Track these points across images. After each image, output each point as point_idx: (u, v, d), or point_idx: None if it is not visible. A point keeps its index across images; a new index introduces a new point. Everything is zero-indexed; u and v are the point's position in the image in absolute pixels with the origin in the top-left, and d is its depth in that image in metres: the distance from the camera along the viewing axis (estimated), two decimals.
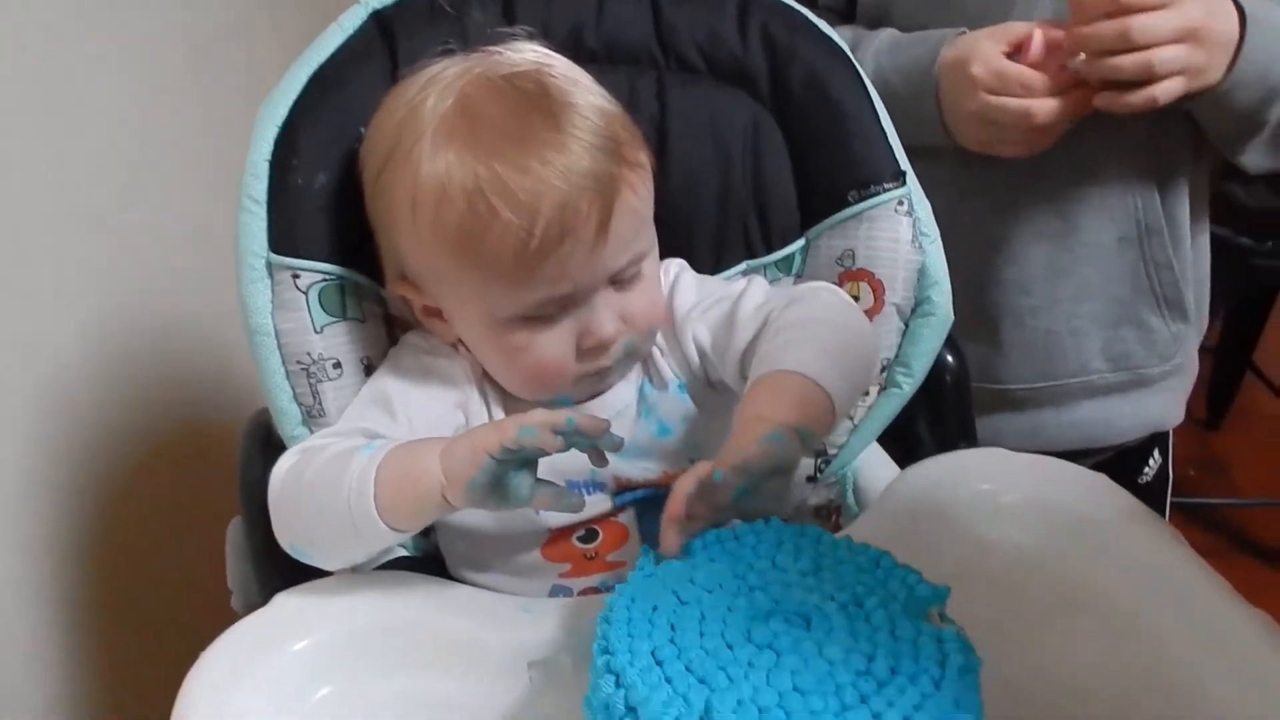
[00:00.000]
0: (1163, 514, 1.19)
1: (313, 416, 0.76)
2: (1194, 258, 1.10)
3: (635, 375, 0.80)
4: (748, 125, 0.85)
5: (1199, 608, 0.68)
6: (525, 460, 0.64)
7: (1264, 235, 1.73)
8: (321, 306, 0.75)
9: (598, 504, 0.76)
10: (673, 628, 0.56)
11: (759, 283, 0.82)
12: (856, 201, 0.83)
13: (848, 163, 0.83)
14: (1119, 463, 1.15)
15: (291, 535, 0.70)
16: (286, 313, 0.75)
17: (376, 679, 0.67)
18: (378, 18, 0.79)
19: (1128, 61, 0.90)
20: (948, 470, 0.80)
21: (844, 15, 1.10)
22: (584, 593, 0.76)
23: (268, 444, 0.81)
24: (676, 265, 0.83)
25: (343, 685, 0.66)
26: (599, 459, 0.67)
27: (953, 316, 0.85)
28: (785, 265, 0.87)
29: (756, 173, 0.85)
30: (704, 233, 0.85)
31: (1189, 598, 0.69)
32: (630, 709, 0.53)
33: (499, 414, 0.77)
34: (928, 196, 0.85)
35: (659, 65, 0.85)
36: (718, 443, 0.79)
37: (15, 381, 1.01)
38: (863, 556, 0.61)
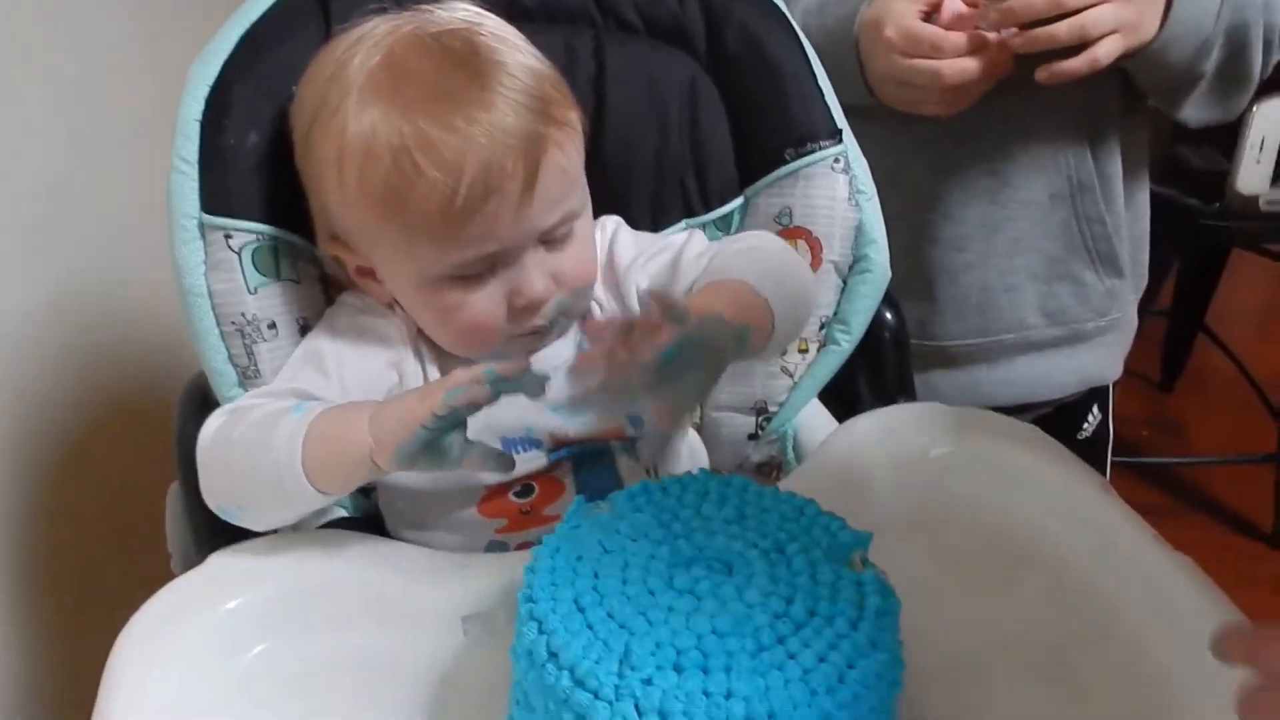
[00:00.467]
0: (1103, 469, 1.21)
1: (249, 378, 0.76)
2: (1130, 214, 1.11)
3: (575, 332, 0.80)
4: (685, 84, 0.85)
5: (1126, 555, 0.69)
6: (455, 421, 0.64)
7: (1212, 197, 1.75)
8: (255, 267, 0.75)
9: (533, 460, 0.77)
10: (596, 576, 0.57)
11: (699, 235, 0.83)
12: (793, 159, 0.84)
13: (784, 121, 0.83)
14: (1058, 418, 1.16)
15: (219, 497, 0.70)
16: (220, 273, 0.74)
17: (311, 636, 0.67)
18: None
19: (1062, 28, 0.90)
20: (883, 424, 0.81)
21: None
22: (521, 548, 0.77)
23: (204, 408, 0.80)
24: (613, 222, 0.83)
25: (277, 642, 0.66)
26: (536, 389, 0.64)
27: (890, 273, 0.86)
28: (724, 224, 0.87)
29: (694, 131, 0.85)
30: (642, 191, 0.85)
31: (1117, 545, 0.70)
32: (552, 654, 0.53)
33: (434, 373, 0.77)
34: (863, 155, 0.86)
35: (596, 24, 0.85)
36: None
37: None
38: (787, 505, 0.62)
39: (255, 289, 0.75)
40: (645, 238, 0.83)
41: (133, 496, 1.11)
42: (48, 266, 1.09)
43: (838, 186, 0.84)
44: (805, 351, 0.87)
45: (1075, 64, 0.92)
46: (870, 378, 0.92)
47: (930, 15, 0.95)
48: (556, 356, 0.79)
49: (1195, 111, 1.02)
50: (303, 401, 0.70)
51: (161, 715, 0.61)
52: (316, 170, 0.72)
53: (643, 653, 0.52)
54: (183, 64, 0.75)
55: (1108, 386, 1.20)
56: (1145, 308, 1.21)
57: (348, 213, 0.72)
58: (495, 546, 0.77)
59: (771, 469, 0.91)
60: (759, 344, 0.74)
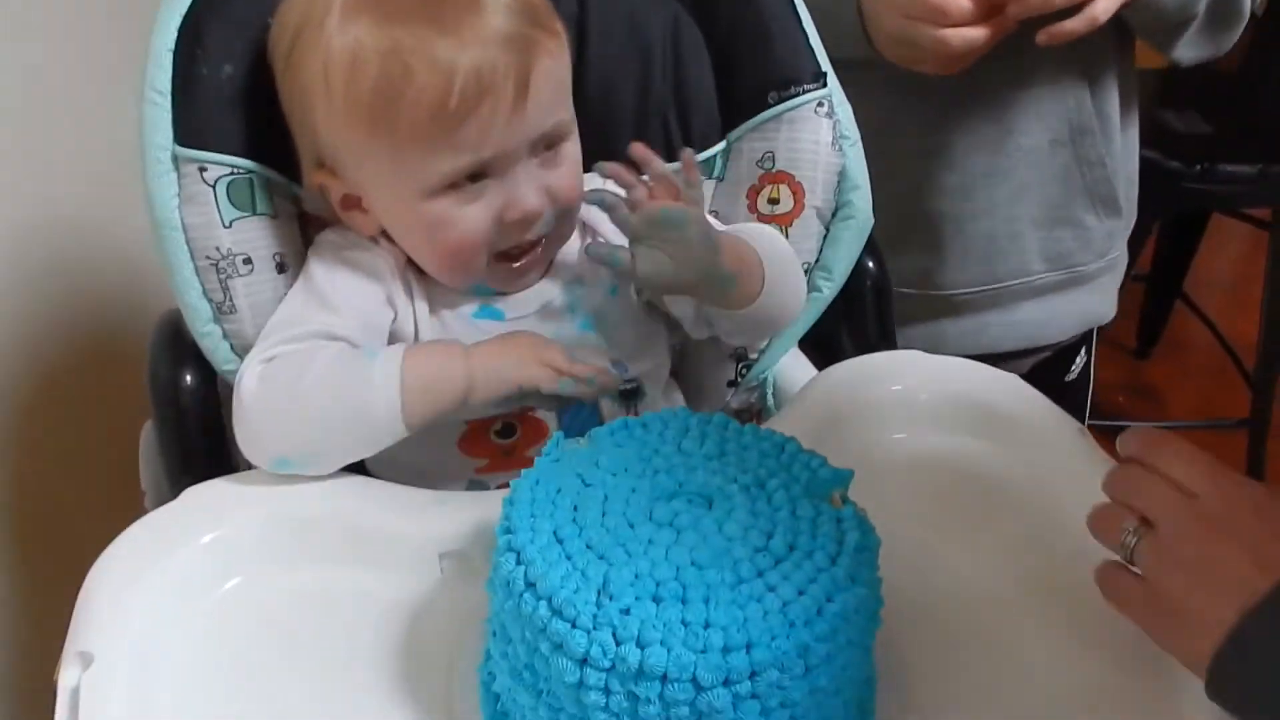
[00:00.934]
0: (1085, 409, 1.23)
1: (223, 313, 0.74)
2: (1124, 153, 1.12)
3: (568, 270, 0.79)
4: (668, 24, 0.84)
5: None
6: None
7: (1193, 159, 1.75)
8: (230, 200, 0.74)
9: (515, 397, 0.76)
10: (575, 508, 0.56)
11: None
12: (777, 103, 0.83)
13: (768, 63, 0.83)
14: (1055, 361, 1.18)
15: (284, 447, 0.69)
16: (193, 206, 0.73)
17: (287, 570, 0.67)
18: None
19: None
20: (862, 371, 0.81)
21: None
22: (501, 489, 0.76)
23: (177, 344, 0.79)
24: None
25: (252, 576, 0.66)
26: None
27: (873, 220, 0.85)
28: (706, 168, 0.86)
29: (677, 73, 0.84)
30: (623, 134, 0.84)
31: (1094, 489, 0.70)
32: (529, 584, 0.53)
33: (422, 307, 0.76)
34: (865, 106, 0.85)
35: None
36: (640, 354, 0.80)
37: None
38: (768, 442, 0.62)
39: (230, 223, 0.74)
40: None
41: (103, 435, 1.10)
42: (12, 201, 1.07)
43: (821, 131, 0.83)
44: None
45: (1074, 24, 0.92)
46: (851, 326, 0.92)
47: None
48: (544, 291, 0.78)
49: (1187, 51, 1.03)
50: (368, 344, 0.72)
51: (134, 648, 0.60)
52: (301, 91, 0.71)
53: (621, 583, 0.52)
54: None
55: (1093, 328, 1.21)
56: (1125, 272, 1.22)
57: (335, 130, 0.70)
58: (475, 486, 0.77)
59: (750, 416, 0.91)
60: (740, 299, 0.75)
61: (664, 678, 0.50)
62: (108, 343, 1.18)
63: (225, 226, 0.74)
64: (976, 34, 0.92)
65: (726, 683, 0.50)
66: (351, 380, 0.68)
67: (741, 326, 0.80)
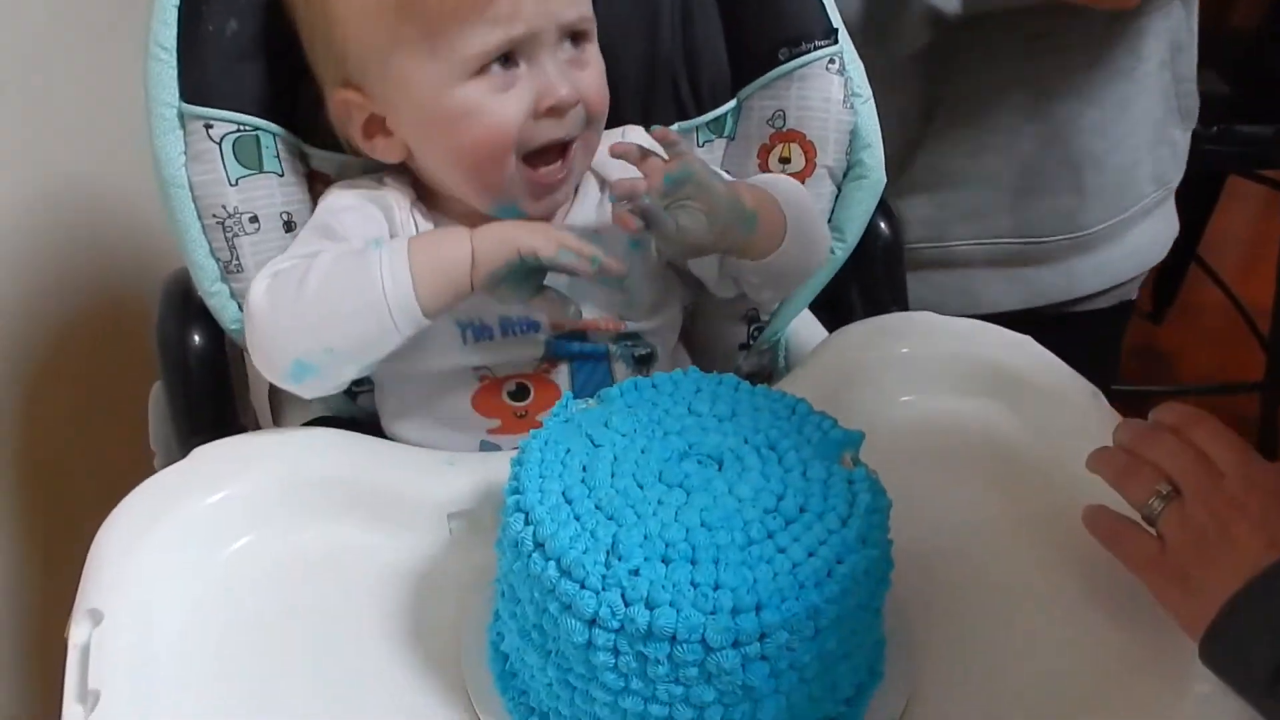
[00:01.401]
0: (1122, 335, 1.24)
1: (230, 272, 0.74)
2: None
3: (586, 222, 0.78)
4: None
5: None
6: (546, 266, 0.68)
7: (1211, 120, 1.73)
8: (236, 158, 0.73)
9: (529, 345, 0.75)
10: (584, 469, 0.56)
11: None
12: (787, 60, 0.81)
13: (778, 19, 0.81)
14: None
15: (298, 349, 0.68)
16: (199, 164, 0.72)
17: (296, 529, 0.67)
18: None
19: None
20: (873, 332, 0.81)
21: None
22: (511, 451, 0.76)
23: (186, 304, 0.79)
24: (634, 129, 0.82)
25: (262, 534, 0.66)
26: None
27: (885, 179, 0.84)
28: (717, 126, 0.85)
29: (686, 29, 0.83)
30: (632, 93, 0.83)
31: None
32: (538, 545, 0.53)
33: None
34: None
35: None
36: (656, 312, 0.79)
37: None
38: (779, 403, 0.62)
39: (236, 180, 0.73)
40: None
41: (113, 394, 1.10)
42: (18, 161, 1.06)
43: (832, 88, 0.82)
44: None
45: None
46: (862, 288, 0.91)
47: None
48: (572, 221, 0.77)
49: None
50: (375, 240, 0.70)
51: (144, 606, 0.60)
52: (322, 2, 0.70)
53: (630, 544, 0.52)
54: None
55: None
56: None
57: (362, 30, 0.69)
58: (487, 448, 0.76)
59: (763, 379, 0.90)
60: (764, 243, 0.74)
61: (673, 639, 0.50)
62: (116, 302, 1.18)
63: (232, 184, 0.73)
64: None
65: (735, 644, 0.50)
66: (358, 268, 0.67)
67: (768, 278, 0.78)
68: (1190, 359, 2.31)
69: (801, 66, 0.81)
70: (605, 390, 0.62)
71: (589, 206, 0.79)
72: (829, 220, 0.84)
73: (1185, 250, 2.28)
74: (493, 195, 0.73)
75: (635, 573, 0.51)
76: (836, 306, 0.91)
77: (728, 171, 0.84)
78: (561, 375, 0.77)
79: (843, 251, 0.85)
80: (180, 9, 0.72)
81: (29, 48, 1.08)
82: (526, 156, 0.71)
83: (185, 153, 0.73)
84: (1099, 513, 0.64)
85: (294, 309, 0.68)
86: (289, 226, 0.75)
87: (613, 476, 0.56)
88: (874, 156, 0.83)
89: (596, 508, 0.54)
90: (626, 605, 0.50)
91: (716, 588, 0.51)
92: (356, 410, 0.82)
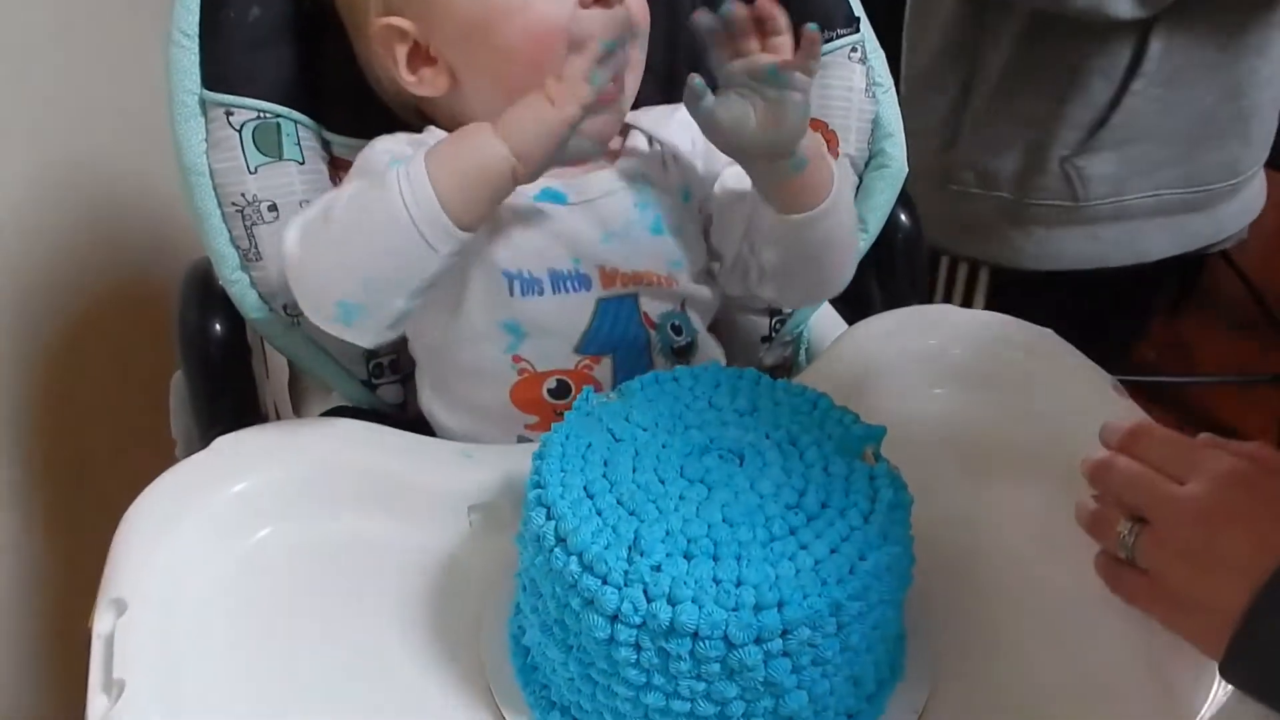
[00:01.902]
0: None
1: (249, 260, 0.74)
2: None
3: (635, 165, 0.76)
4: None
5: None
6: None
7: None
8: (256, 145, 0.73)
9: (580, 302, 0.73)
10: (606, 463, 0.56)
11: None
12: None
13: (801, 6, 0.79)
14: None
15: (340, 289, 0.65)
16: (220, 152, 0.73)
17: (318, 520, 0.67)
18: None
19: None
20: (894, 326, 0.80)
21: None
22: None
23: (207, 293, 0.79)
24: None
25: (284, 525, 0.66)
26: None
27: (906, 169, 0.84)
28: None
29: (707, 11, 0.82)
30: (654, 77, 0.82)
31: None
32: (560, 540, 0.53)
33: None
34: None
35: None
36: (700, 277, 0.78)
37: None
38: (800, 398, 0.61)
39: (255, 168, 0.73)
40: None
41: (132, 384, 1.10)
42: (38, 148, 1.07)
43: (855, 77, 0.82)
44: None
45: None
46: (882, 280, 0.90)
47: None
48: (607, 178, 0.75)
49: None
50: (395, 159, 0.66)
51: (167, 596, 0.60)
52: None
53: (652, 539, 0.52)
54: None
55: None
56: None
57: None
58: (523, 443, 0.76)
59: (784, 372, 0.90)
60: (800, 195, 0.70)
61: (695, 635, 0.50)
62: (137, 290, 1.18)
63: (250, 172, 0.73)
64: None
65: (758, 640, 0.50)
66: (378, 193, 0.64)
67: (786, 255, 0.74)
68: (1208, 349, 2.29)
69: (823, 55, 0.80)
70: (625, 384, 0.62)
71: (636, 160, 0.77)
72: None
73: None
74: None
75: (657, 568, 0.51)
76: (857, 299, 0.90)
77: None
78: (602, 371, 0.75)
79: (864, 242, 0.85)
80: None
81: (56, 27, 1.08)
82: None
83: (206, 140, 0.73)
84: (1099, 560, 0.61)
85: (325, 249, 0.66)
86: None
87: (634, 471, 0.56)
88: (896, 146, 0.83)
89: (618, 503, 0.54)
90: (649, 601, 0.50)
91: (739, 584, 0.51)
92: (377, 401, 0.82)
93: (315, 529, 0.66)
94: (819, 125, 0.82)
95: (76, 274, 1.11)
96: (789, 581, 0.51)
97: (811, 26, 0.66)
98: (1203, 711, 0.56)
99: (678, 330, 0.77)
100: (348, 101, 0.77)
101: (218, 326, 0.79)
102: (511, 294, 0.72)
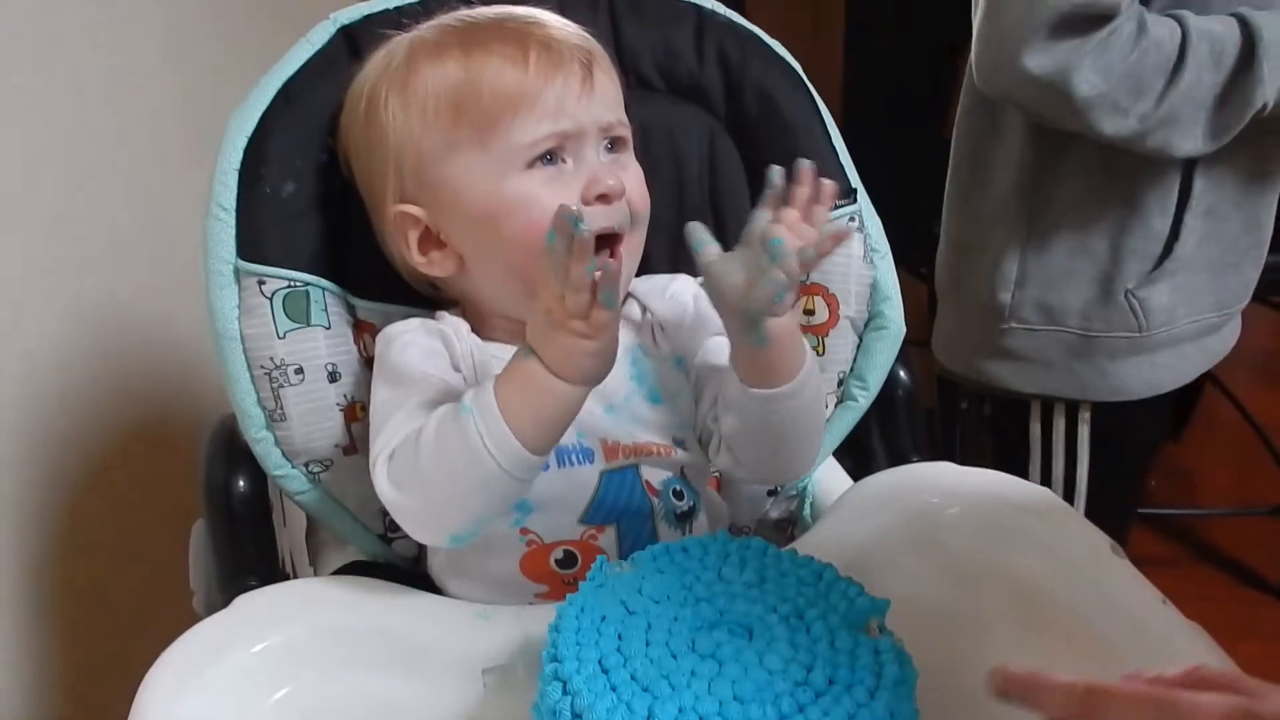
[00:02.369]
0: None
1: (275, 420, 0.77)
2: None
3: (628, 336, 0.79)
4: (703, 137, 0.87)
5: (1137, 619, 0.70)
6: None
7: None
8: (285, 313, 0.76)
9: (585, 475, 0.76)
10: (620, 637, 0.58)
11: None
12: None
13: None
14: None
15: (449, 527, 0.70)
16: (251, 318, 0.76)
17: (334, 681, 0.68)
18: (345, 33, 0.81)
19: None
20: (897, 482, 0.82)
21: None
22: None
23: (232, 448, 0.82)
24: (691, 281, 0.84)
25: (301, 686, 0.67)
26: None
27: (904, 329, 0.87)
28: None
29: (713, 183, 0.87)
30: (662, 244, 0.86)
31: (1127, 610, 0.71)
32: (576, 715, 0.54)
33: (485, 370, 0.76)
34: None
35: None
36: (693, 441, 0.80)
37: None
38: (806, 569, 0.63)
39: (284, 334, 0.76)
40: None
41: (150, 529, 1.12)
42: (71, 296, 1.10)
43: (853, 245, 0.86)
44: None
45: None
46: (884, 435, 0.93)
47: None
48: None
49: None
50: (455, 402, 0.69)
51: None
52: (381, 132, 0.75)
53: (666, 717, 0.53)
54: (204, 99, 0.77)
55: None
56: None
57: (420, 139, 0.74)
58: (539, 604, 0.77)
59: (788, 525, 0.92)
60: (768, 368, 0.71)
61: None
62: (161, 438, 1.21)
63: (280, 338, 0.76)
64: None
65: None
66: (462, 446, 0.66)
67: (743, 426, 0.74)
68: (1209, 478, 2.31)
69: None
70: (637, 554, 0.64)
71: (631, 329, 0.81)
72: (851, 369, 0.87)
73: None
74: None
75: None
76: (860, 452, 0.93)
77: None
78: (607, 540, 0.77)
79: (866, 399, 0.88)
80: (241, 172, 0.76)
81: (94, 181, 1.13)
82: None
83: (239, 306, 0.76)
84: None
85: (423, 497, 0.69)
86: (333, 377, 0.79)
87: (647, 645, 0.57)
88: (894, 308, 0.87)
89: (632, 678, 0.55)
90: None
91: None
92: (392, 555, 0.84)
93: (332, 690, 0.68)
94: (819, 290, 0.86)
95: (106, 418, 1.14)
96: None
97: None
98: None
99: (679, 495, 0.79)
100: (373, 269, 0.80)
101: (241, 482, 0.81)
102: None
